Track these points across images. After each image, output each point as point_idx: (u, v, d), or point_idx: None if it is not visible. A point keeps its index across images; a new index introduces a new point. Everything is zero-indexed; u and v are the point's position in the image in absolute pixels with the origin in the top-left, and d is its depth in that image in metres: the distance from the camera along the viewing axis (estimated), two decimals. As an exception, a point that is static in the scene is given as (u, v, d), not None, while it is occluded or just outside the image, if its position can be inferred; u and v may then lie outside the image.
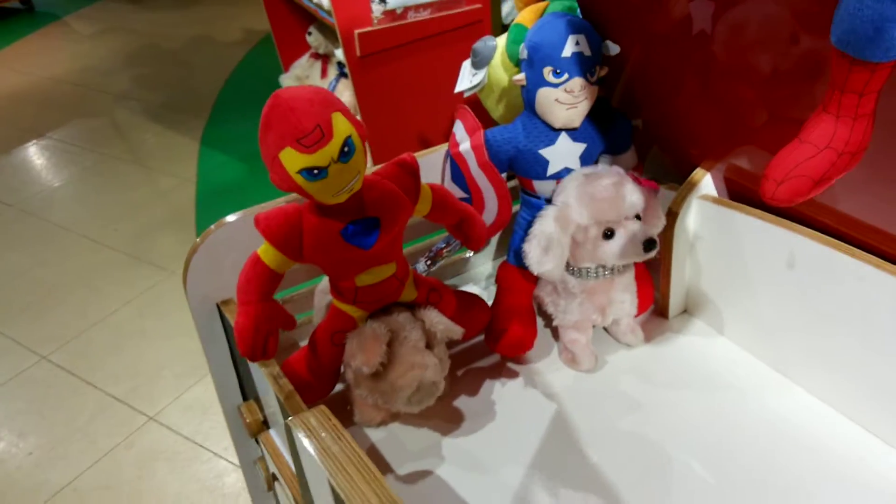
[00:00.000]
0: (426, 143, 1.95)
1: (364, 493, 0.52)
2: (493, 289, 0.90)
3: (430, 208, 0.74)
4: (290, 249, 0.67)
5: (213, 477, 1.41)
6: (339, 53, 2.14)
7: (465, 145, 0.82)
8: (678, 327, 0.89)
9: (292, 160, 0.60)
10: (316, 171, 0.60)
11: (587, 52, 0.76)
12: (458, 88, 0.89)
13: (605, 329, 0.88)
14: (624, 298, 0.82)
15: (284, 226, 0.66)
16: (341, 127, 0.60)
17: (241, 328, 0.68)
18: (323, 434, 0.58)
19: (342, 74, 2.17)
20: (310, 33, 2.30)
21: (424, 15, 1.82)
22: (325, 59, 2.33)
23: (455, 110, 0.85)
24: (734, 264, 0.82)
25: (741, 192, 0.82)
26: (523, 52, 0.77)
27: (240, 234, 0.82)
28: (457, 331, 0.76)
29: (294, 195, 0.78)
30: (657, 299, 0.89)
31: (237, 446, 0.94)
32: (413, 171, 0.71)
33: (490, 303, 0.87)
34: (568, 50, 0.75)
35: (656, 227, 0.80)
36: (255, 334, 0.68)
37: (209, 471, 1.42)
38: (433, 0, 1.80)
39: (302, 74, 2.40)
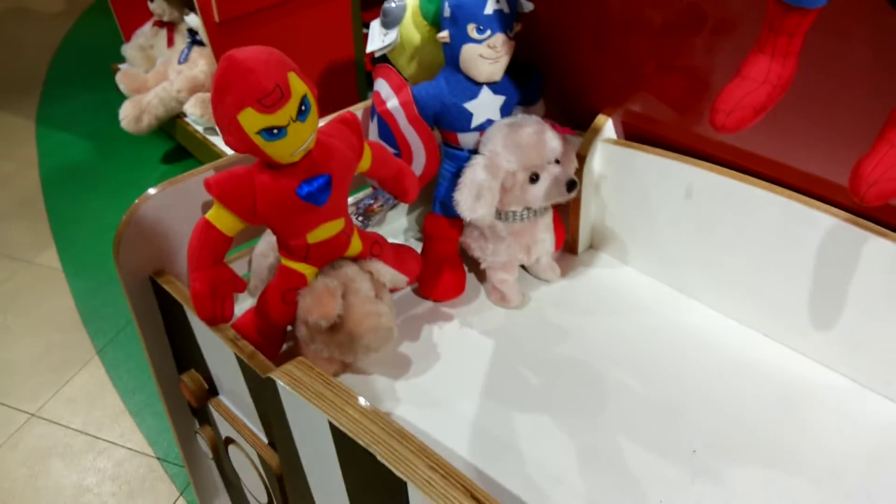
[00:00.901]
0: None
1: (370, 429, 0.56)
2: (413, 241, 0.94)
3: (370, 164, 0.77)
4: (244, 211, 0.68)
5: (114, 465, 1.36)
6: (189, 20, 2.05)
7: (392, 102, 0.85)
8: (587, 261, 0.98)
9: (252, 121, 0.61)
10: (276, 131, 0.62)
11: (506, 10, 0.81)
12: (369, 48, 0.91)
13: (524, 268, 0.96)
14: (545, 237, 0.90)
15: (237, 187, 0.68)
16: (297, 86, 0.62)
17: (198, 294, 0.69)
18: (313, 382, 0.61)
19: (195, 42, 2.08)
20: (152, 0, 2.19)
21: (284, -22, 1.79)
22: (171, 26, 2.22)
23: (375, 70, 0.88)
24: (636, 200, 0.91)
25: (637, 134, 0.92)
26: (447, 11, 0.81)
27: (164, 205, 0.81)
28: (402, 279, 0.80)
29: (235, 157, 0.79)
30: (567, 238, 0.98)
31: (172, 418, 0.93)
32: (357, 127, 0.74)
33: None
34: (489, 7, 0.80)
35: (572, 169, 0.87)
36: (213, 299, 0.70)
37: (108, 459, 1.37)
38: (291, -37, 1.77)
39: (146, 44, 2.27)
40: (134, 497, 1.28)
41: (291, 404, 0.62)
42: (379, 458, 0.53)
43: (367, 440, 0.55)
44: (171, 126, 2.13)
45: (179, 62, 2.07)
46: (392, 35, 0.89)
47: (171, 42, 2.22)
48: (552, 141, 0.83)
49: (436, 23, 0.85)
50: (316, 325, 0.73)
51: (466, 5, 0.80)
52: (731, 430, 0.75)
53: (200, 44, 2.05)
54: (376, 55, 0.92)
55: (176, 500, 1.26)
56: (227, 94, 0.60)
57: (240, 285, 0.73)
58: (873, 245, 0.71)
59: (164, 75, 2.10)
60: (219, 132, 2.07)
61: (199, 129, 2.03)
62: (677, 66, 0.83)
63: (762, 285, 0.82)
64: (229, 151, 0.72)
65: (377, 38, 0.91)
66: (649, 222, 0.91)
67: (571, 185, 0.82)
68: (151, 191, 0.80)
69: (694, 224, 0.86)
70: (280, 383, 0.61)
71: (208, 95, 1.99)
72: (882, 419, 0.75)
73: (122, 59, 2.30)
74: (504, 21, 0.81)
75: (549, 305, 0.91)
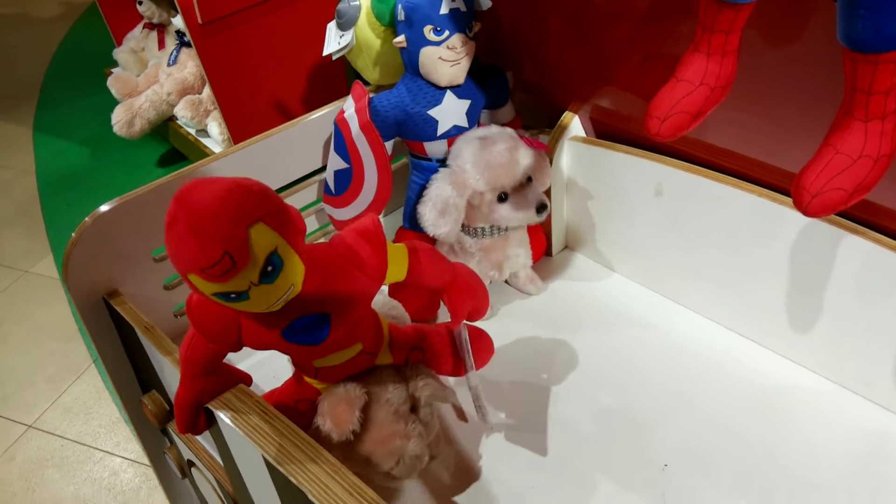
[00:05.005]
0: (285, 108, 1.91)
1: (301, 461, 0.53)
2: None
3: (406, 275, 0.62)
4: (225, 346, 0.59)
5: (109, 475, 1.36)
6: (177, 21, 2.03)
7: (349, 111, 0.82)
8: (563, 262, 0.95)
9: (202, 285, 0.48)
10: (234, 295, 0.49)
11: (463, 8, 0.78)
12: (325, 51, 0.88)
13: (506, 282, 0.93)
14: (518, 252, 0.86)
15: (218, 322, 0.57)
16: (261, 244, 0.47)
17: (179, 403, 0.62)
18: (250, 413, 0.58)
19: (183, 44, 2.06)
20: (140, 2, 2.16)
21: (266, -24, 1.76)
22: (161, 28, 2.20)
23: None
24: (607, 198, 0.88)
25: (606, 131, 0.88)
26: (401, 14, 0.78)
27: (116, 223, 0.79)
28: (443, 396, 0.68)
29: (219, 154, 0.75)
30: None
31: (142, 439, 0.91)
32: (374, 238, 0.59)
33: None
34: (445, 7, 0.77)
35: (544, 186, 0.83)
36: (193, 411, 0.63)
37: (103, 469, 1.37)
38: (273, -40, 1.74)
39: (137, 47, 2.25)
40: (129, 507, 1.28)
41: (231, 434, 0.60)
42: (310, 496, 0.51)
43: (300, 478, 0.53)
44: (164, 129, 2.11)
45: (168, 64, 2.05)
46: (347, 37, 0.86)
47: (162, 44, 2.20)
48: (524, 159, 0.78)
49: (390, 25, 0.82)
50: (328, 436, 0.62)
51: (421, 6, 0.77)
52: (707, 440, 0.72)
53: (189, 45, 2.03)
54: (333, 58, 0.89)
55: (169, 510, 1.25)
56: (169, 250, 0.48)
57: (245, 382, 0.65)
58: (848, 243, 0.67)
59: (154, 78, 2.08)
60: (210, 135, 2.00)
61: (192, 131, 2.01)
62: (646, 59, 0.79)
63: (736, 284, 0.79)
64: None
65: (333, 41, 0.88)
66: (622, 220, 0.88)
67: (542, 208, 0.78)
68: (102, 208, 0.78)
69: (665, 222, 0.83)
70: (218, 414, 0.59)
71: (198, 97, 1.98)
72: (862, 422, 0.71)
73: (116, 63, 2.29)
74: (462, 20, 0.78)
75: (523, 313, 0.89)
